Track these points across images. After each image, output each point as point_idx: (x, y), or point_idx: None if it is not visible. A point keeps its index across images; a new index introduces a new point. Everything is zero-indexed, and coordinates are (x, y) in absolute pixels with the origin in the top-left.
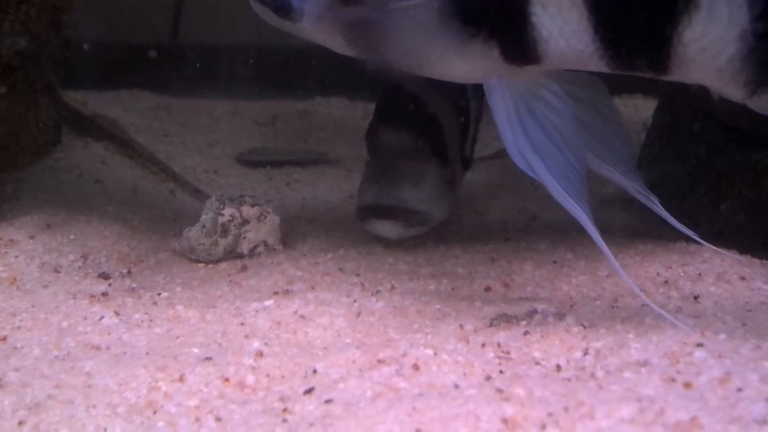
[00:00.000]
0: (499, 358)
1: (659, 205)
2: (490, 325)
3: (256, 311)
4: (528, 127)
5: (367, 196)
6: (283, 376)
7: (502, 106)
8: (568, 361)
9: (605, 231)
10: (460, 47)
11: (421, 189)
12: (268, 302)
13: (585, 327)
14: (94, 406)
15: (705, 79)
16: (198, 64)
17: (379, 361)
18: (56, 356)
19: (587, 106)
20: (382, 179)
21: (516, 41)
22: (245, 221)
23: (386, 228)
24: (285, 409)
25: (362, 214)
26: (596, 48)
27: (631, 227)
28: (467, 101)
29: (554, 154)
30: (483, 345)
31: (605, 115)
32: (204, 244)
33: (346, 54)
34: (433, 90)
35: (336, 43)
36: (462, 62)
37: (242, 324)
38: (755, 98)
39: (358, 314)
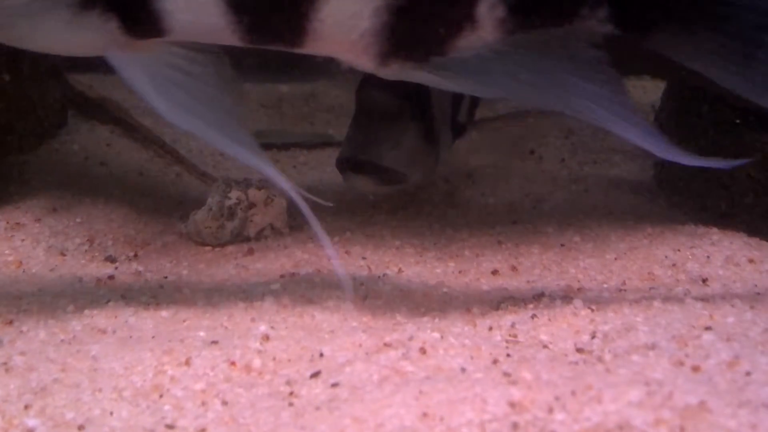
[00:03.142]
0: (507, 341)
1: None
2: (498, 309)
3: (263, 294)
4: (173, 95)
5: (347, 150)
6: (289, 360)
7: (136, 78)
8: (575, 345)
9: (613, 214)
10: (72, 20)
11: (398, 150)
12: (275, 285)
13: (593, 310)
14: (100, 390)
15: (337, 52)
16: None
17: (386, 345)
18: (62, 340)
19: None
20: (363, 135)
21: (137, 14)
22: (252, 204)
23: (361, 183)
24: (291, 393)
25: (341, 166)
26: (228, 22)
27: (640, 210)
28: None
29: (213, 118)
30: (490, 328)
31: (224, 82)
32: (211, 227)
33: None
34: None
35: None
36: (76, 37)
37: (249, 307)
38: (385, 68)
39: (365, 297)
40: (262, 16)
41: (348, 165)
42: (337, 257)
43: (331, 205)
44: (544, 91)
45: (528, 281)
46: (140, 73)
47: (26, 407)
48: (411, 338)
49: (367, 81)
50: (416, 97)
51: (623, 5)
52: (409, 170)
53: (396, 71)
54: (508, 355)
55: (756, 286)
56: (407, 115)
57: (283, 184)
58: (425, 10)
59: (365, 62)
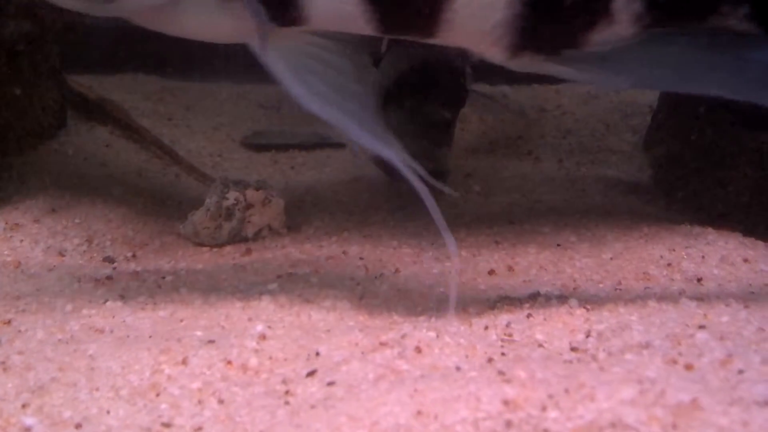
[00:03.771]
0: (502, 340)
1: (422, 170)
2: (494, 308)
3: (260, 294)
4: (310, 82)
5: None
6: (285, 359)
7: (276, 65)
8: (570, 343)
9: (610, 214)
10: (219, 7)
11: (444, 150)
12: (272, 285)
13: (588, 310)
14: (98, 389)
15: (469, 43)
16: (203, 47)
17: (382, 344)
18: (60, 339)
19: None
20: (412, 142)
21: (280, 2)
22: (250, 205)
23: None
24: (287, 392)
25: (387, 170)
26: (364, 11)
27: (636, 210)
28: None
29: (348, 108)
30: (486, 327)
31: (359, 71)
32: (208, 227)
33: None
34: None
35: None
36: (221, 23)
37: (246, 307)
38: (515, 60)
39: (362, 297)
40: (398, 5)
41: (396, 171)
42: (457, 256)
43: (457, 194)
44: (682, 83)
45: (524, 281)
46: (280, 60)
47: (24, 406)
48: (407, 337)
49: (407, 93)
50: (456, 100)
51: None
52: (449, 165)
53: (526, 63)
54: (503, 354)
55: (751, 285)
56: (452, 119)
57: (410, 176)
58: (559, 3)
59: (496, 54)
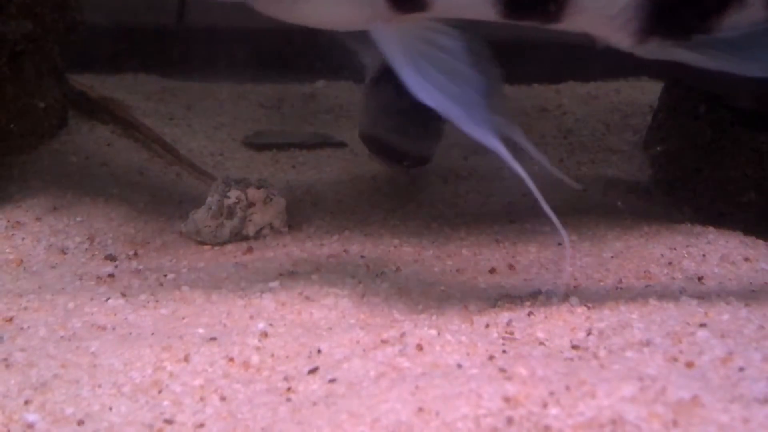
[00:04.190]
0: (503, 338)
1: (543, 157)
2: (495, 306)
3: (261, 292)
4: (425, 70)
5: (377, 131)
6: (287, 356)
7: (392, 50)
8: (571, 341)
9: (610, 213)
10: None
11: (427, 137)
12: (273, 283)
13: (589, 308)
14: (100, 386)
15: (595, 28)
16: (204, 47)
17: (383, 342)
18: (62, 336)
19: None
20: (392, 119)
21: None
22: (251, 204)
23: (388, 163)
24: (289, 389)
25: (372, 148)
26: None
27: (636, 209)
28: None
29: (459, 93)
30: (487, 325)
31: (477, 59)
32: (210, 226)
33: None
34: None
35: None
36: (345, 11)
37: (247, 305)
38: (643, 46)
39: (363, 295)
40: None
41: (379, 149)
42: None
43: (581, 186)
44: None
45: (525, 279)
46: (396, 46)
47: (26, 402)
48: (408, 335)
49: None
50: None
51: None
52: (432, 151)
53: (654, 50)
54: (504, 352)
55: (751, 284)
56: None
57: (520, 171)
58: None
59: (622, 39)
